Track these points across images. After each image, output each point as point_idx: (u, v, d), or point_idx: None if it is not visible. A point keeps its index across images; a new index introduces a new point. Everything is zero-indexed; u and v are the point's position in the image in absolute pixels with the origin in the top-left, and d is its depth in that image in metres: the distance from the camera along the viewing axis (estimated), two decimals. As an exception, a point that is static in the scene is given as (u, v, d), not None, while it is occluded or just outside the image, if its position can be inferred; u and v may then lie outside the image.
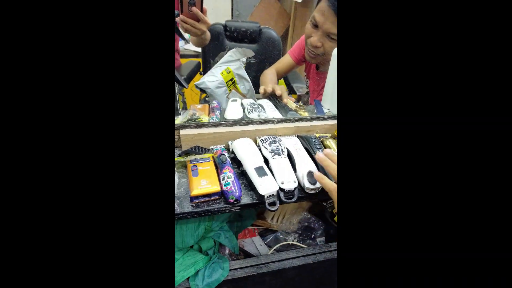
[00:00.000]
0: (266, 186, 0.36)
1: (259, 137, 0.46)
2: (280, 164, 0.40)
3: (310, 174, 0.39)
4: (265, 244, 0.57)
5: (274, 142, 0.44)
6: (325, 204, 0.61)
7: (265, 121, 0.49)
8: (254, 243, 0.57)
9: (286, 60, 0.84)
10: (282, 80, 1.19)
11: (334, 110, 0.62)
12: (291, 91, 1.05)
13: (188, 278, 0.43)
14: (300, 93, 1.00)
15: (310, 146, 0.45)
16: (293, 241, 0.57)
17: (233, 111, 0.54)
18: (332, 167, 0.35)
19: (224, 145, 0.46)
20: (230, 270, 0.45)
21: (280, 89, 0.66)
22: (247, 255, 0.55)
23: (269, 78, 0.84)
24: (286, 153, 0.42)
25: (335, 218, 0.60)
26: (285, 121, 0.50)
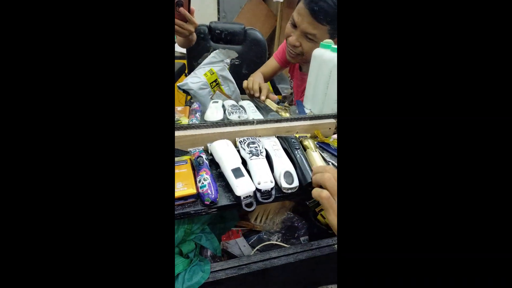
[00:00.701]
0: (242, 187, 0.36)
1: (238, 139, 0.46)
2: (257, 164, 0.40)
3: (287, 174, 0.39)
4: (249, 244, 0.57)
5: (253, 143, 0.44)
6: (307, 203, 0.62)
7: (245, 122, 0.49)
8: (238, 244, 0.57)
9: (271, 63, 0.85)
10: (268, 82, 1.20)
11: (315, 110, 0.62)
12: (276, 92, 1.06)
13: (168, 282, 0.42)
14: (285, 94, 1.01)
15: (289, 146, 0.45)
16: (276, 241, 0.58)
17: (214, 112, 0.54)
18: (324, 178, 0.34)
19: (203, 147, 0.46)
20: (211, 272, 0.44)
21: (265, 88, 0.67)
22: (231, 256, 0.55)
23: (257, 77, 0.84)
24: (264, 153, 0.43)
25: (318, 217, 0.60)
26: (265, 122, 0.51)
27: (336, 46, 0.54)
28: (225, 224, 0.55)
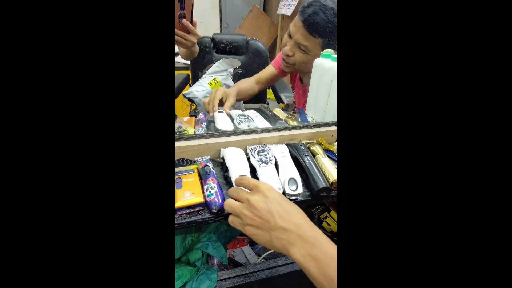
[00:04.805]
0: (247, 195, 0.37)
1: (249, 146, 0.47)
2: (266, 172, 0.41)
3: (291, 181, 0.40)
4: (255, 253, 0.57)
5: (263, 151, 0.45)
6: (312, 210, 0.62)
7: (249, 131, 0.51)
8: (244, 253, 0.58)
9: (269, 70, 0.85)
10: (270, 90, 1.22)
11: (317, 118, 0.64)
12: (278, 100, 1.08)
13: (175, 291, 0.42)
14: (287, 102, 1.02)
15: (299, 153, 0.46)
16: (282, 248, 0.58)
17: (224, 122, 0.55)
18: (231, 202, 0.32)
19: (209, 156, 0.47)
20: (218, 280, 0.45)
21: (227, 97, 0.64)
22: (237, 265, 0.55)
23: (236, 85, 0.79)
24: (273, 161, 0.44)
25: (323, 224, 0.60)
26: (269, 130, 0.52)
27: (336, 56, 0.56)
28: (232, 232, 0.55)
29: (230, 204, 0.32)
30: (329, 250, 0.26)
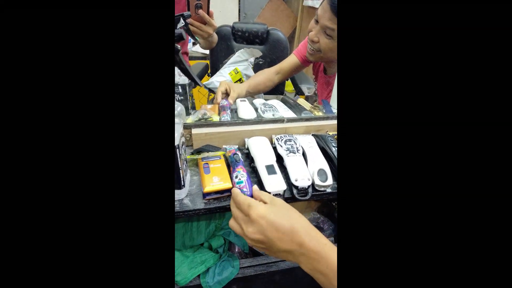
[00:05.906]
0: (273, 184, 0.36)
1: (275, 136, 0.46)
2: (294, 162, 0.40)
3: (321, 172, 0.39)
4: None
5: (290, 140, 0.44)
6: (334, 204, 0.61)
7: (275, 120, 0.50)
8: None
9: (291, 60, 0.81)
10: (289, 82, 1.19)
11: (343, 110, 0.62)
12: (298, 92, 1.05)
13: (199, 276, 0.43)
14: (308, 94, 1.00)
15: (326, 144, 0.45)
16: (302, 241, 0.57)
17: (246, 111, 0.54)
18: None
19: (237, 145, 0.46)
20: (240, 268, 0.45)
21: (229, 90, 0.64)
22: (256, 254, 0.55)
23: (252, 79, 0.78)
24: (301, 151, 0.43)
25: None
26: (295, 120, 0.50)
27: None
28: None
29: (232, 226, 0.32)
30: (333, 262, 0.27)
